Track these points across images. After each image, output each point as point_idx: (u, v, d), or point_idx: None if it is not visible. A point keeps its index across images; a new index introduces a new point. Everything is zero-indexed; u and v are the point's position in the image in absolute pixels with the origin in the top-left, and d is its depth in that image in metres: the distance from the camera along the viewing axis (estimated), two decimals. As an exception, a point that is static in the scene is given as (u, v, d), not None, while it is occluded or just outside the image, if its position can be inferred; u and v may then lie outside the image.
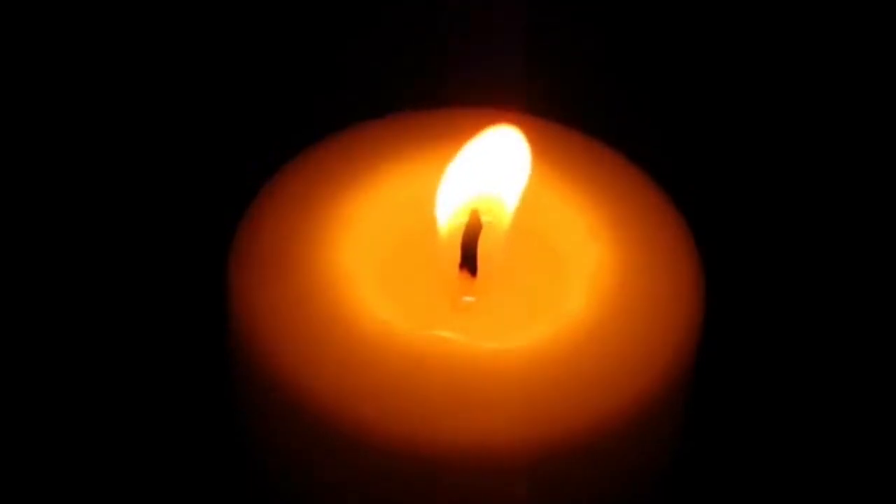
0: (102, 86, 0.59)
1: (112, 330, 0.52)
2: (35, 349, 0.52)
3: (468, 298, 0.44)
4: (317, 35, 0.61)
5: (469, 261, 0.43)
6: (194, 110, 0.59)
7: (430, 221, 0.44)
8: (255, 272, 0.42)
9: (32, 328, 0.52)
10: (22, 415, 0.50)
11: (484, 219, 0.44)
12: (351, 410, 0.40)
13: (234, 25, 0.60)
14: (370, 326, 0.41)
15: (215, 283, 0.44)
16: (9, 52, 0.59)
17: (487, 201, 0.44)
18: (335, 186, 0.45)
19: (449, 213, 0.44)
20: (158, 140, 0.58)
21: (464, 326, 0.42)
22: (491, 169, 0.44)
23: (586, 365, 0.41)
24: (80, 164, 0.57)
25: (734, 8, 0.61)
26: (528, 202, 0.44)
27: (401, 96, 0.51)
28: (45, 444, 0.50)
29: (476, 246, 0.43)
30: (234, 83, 0.59)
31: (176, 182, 0.57)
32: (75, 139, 0.57)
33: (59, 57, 0.59)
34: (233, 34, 0.60)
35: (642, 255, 0.44)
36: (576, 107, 0.50)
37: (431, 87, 0.55)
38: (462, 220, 0.44)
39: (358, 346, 0.41)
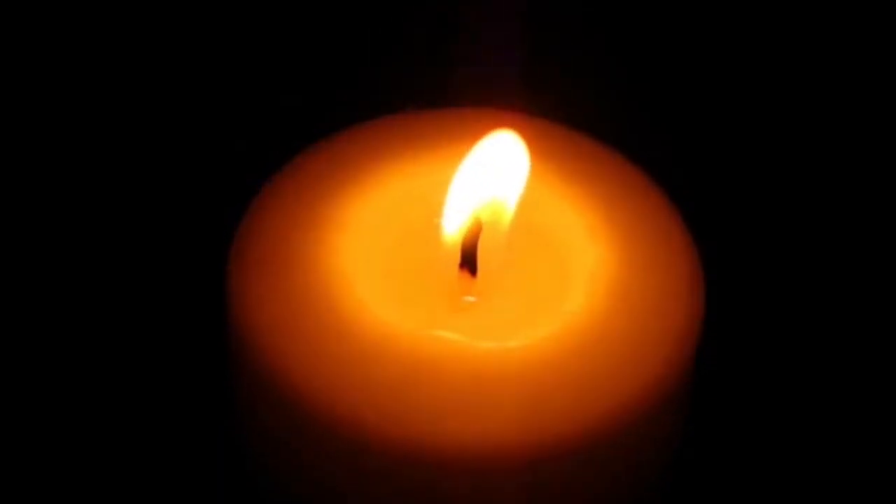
0: (102, 86, 0.59)
1: (112, 330, 0.52)
2: (35, 349, 0.52)
3: (468, 298, 0.44)
4: (317, 35, 0.61)
5: (469, 261, 0.43)
6: (194, 111, 0.59)
7: (430, 222, 0.44)
8: (255, 272, 0.42)
9: (33, 328, 0.52)
10: (22, 414, 0.50)
11: (484, 219, 0.44)
12: (351, 410, 0.40)
13: (234, 25, 0.60)
14: (370, 326, 0.41)
15: (215, 283, 0.44)
16: (9, 52, 0.59)
17: (490, 204, 0.44)
18: (335, 186, 0.45)
19: (456, 222, 0.44)
20: (158, 140, 0.58)
21: (464, 326, 0.42)
22: (493, 173, 0.44)
23: (586, 365, 0.41)
24: (80, 164, 0.57)
25: (734, 8, 0.61)
26: (528, 202, 0.44)
27: (401, 96, 0.51)
28: (45, 444, 0.50)
29: (476, 246, 0.43)
30: (235, 83, 0.59)
31: (176, 182, 0.57)
32: (76, 140, 0.57)
33: (60, 57, 0.59)
34: (233, 34, 0.60)
35: (642, 256, 0.44)
36: (576, 107, 0.50)
37: (432, 88, 0.55)
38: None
39: (358, 346, 0.41)
